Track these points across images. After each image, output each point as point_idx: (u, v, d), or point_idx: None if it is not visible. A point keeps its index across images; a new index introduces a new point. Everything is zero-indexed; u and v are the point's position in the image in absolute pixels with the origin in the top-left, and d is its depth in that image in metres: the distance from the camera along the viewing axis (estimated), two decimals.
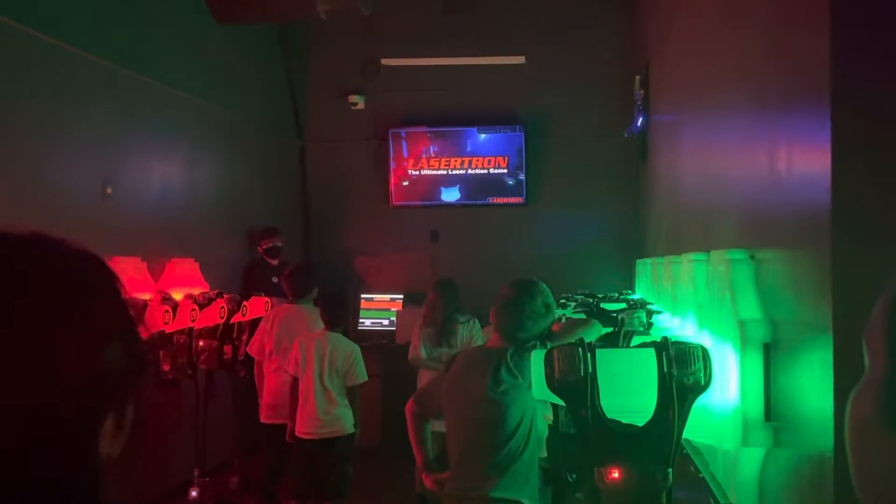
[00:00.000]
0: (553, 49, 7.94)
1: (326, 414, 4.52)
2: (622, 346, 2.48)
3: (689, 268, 2.67)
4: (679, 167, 3.98)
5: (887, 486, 0.65)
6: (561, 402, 1.99)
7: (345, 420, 4.57)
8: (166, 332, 4.85)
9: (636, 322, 2.63)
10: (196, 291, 5.37)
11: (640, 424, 1.76)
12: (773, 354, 1.76)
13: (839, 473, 1.30)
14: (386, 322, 7.81)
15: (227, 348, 5.24)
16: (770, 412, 1.74)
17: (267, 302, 5.56)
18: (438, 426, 3.20)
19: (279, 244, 7.01)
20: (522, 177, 8.05)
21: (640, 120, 5.83)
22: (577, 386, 1.78)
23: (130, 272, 4.87)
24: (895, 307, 0.67)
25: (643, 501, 1.76)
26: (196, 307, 5.05)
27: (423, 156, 8.19)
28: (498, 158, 8.09)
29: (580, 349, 1.79)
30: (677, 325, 2.88)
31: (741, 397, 1.76)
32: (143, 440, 0.81)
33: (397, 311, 7.60)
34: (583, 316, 3.09)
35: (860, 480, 0.67)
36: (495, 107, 8.13)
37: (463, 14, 8.01)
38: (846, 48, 1.34)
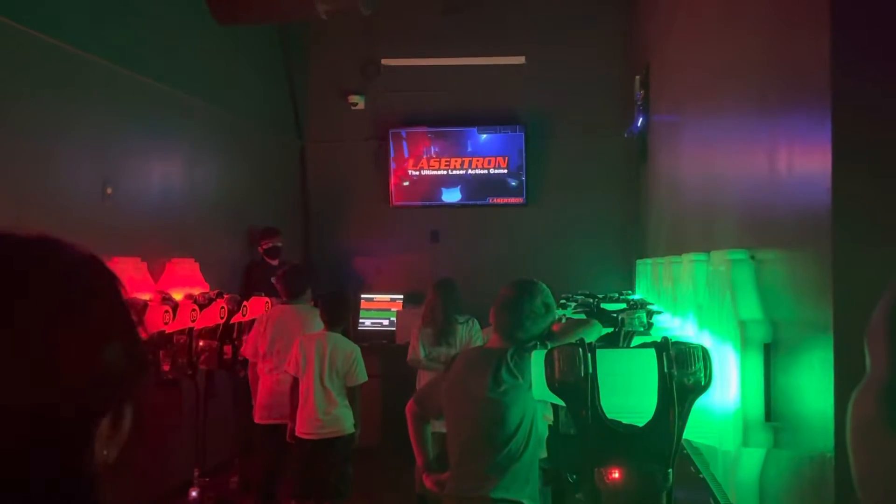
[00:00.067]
0: (553, 49, 7.94)
1: (326, 414, 4.52)
2: (622, 347, 2.48)
3: (690, 268, 2.67)
4: (679, 167, 3.98)
5: (889, 486, 0.65)
6: (561, 403, 1.99)
7: (345, 420, 4.57)
8: (166, 332, 4.85)
9: (636, 322, 2.64)
10: (196, 292, 5.37)
11: (641, 425, 1.76)
12: (773, 355, 1.75)
13: (840, 474, 1.30)
14: (386, 322, 7.81)
15: (227, 348, 5.24)
16: (770, 413, 1.74)
17: (267, 302, 5.55)
18: (438, 426, 3.20)
19: (279, 244, 7.01)
20: (523, 177, 8.05)
21: (641, 120, 5.83)
22: (577, 386, 1.78)
23: (130, 272, 4.87)
24: None
25: (643, 502, 1.76)
26: (196, 307, 5.05)
27: (424, 156, 8.19)
28: (498, 159, 8.09)
29: (580, 349, 1.79)
30: (677, 326, 2.87)
31: (741, 398, 1.76)
32: (142, 441, 0.81)
33: (397, 312, 7.59)
34: (583, 316, 3.09)
35: (862, 481, 0.67)
36: (495, 107, 8.13)
37: (463, 14, 8.00)
38: (846, 48, 1.34)
